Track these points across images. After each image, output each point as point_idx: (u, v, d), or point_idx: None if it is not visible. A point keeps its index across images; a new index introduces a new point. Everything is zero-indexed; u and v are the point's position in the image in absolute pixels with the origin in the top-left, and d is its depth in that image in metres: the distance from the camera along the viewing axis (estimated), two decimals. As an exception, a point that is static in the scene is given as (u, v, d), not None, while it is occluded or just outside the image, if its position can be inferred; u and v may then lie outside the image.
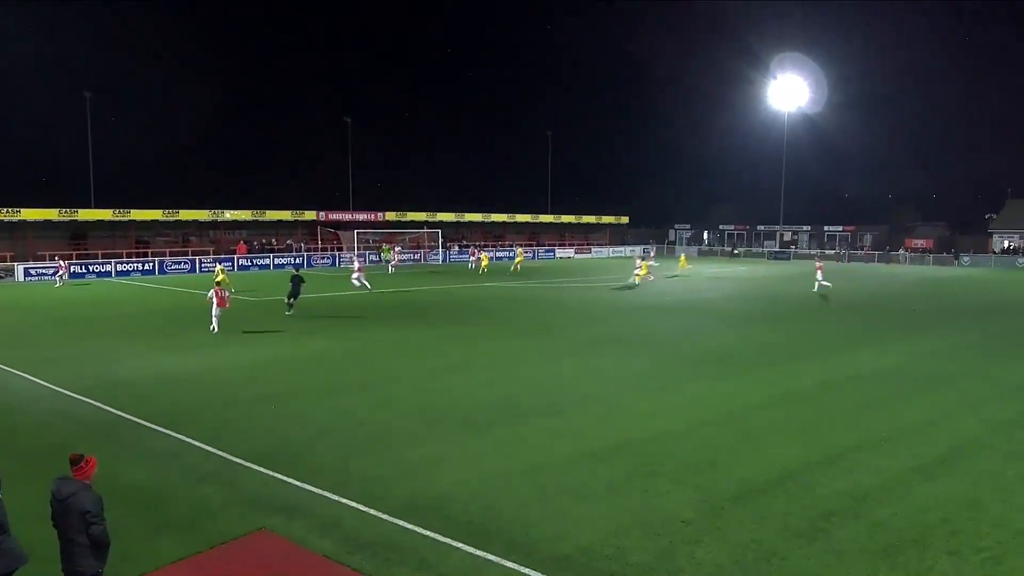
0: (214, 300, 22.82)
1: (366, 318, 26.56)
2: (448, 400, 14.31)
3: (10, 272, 42.93)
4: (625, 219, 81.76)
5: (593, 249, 74.49)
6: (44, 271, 43.31)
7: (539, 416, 13.18)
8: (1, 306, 29.76)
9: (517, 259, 51.41)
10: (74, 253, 46.44)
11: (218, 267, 36.23)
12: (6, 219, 44.75)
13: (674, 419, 13.10)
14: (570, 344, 20.97)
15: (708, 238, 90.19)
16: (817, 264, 40.50)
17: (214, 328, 22.44)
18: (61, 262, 40.61)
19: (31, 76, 72.88)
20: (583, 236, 78.61)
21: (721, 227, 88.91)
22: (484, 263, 48.77)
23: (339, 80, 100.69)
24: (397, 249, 56.01)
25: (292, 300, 26.76)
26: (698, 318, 26.91)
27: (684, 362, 18.33)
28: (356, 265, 36.27)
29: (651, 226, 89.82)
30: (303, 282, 27.46)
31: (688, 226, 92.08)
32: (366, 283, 34.50)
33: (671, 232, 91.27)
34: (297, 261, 39.37)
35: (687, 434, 12.17)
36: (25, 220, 45.68)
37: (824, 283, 37.71)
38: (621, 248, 77.66)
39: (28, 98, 72.66)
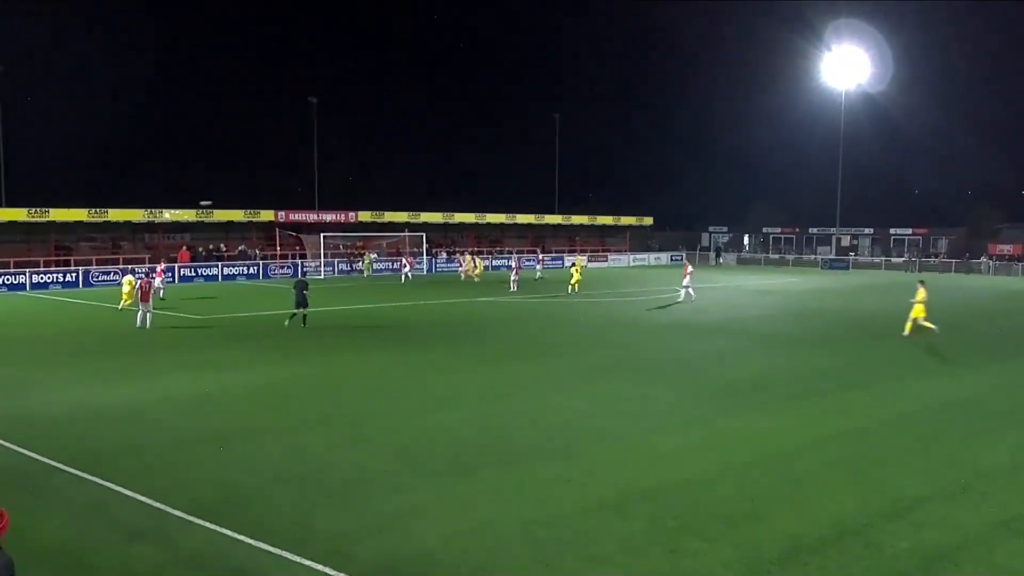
0: (138, 295, 27.57)
1: (335, 338, 26.63)
2: (431, 438, 14.33)
3: None
4: (649, 220, 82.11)
5: (610, 257, 74.50)
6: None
7: (541, 458, 13.19)
8: None
9: (476, 269, 52.17)
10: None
11: None
12: None
13: (705, 461, 13.12)
14: (577, 370, 21.03)
15: (749, 243, 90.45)
16: (688, 269, 40.01)
17: (145, 325, 27.02)
18: None
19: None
20: (599, 240, 78.83)
21: (765, 230, 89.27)
22: (476, 271, 51.04)
23: (302, 54, 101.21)
24: (375, 256, 56.47)
25: (297, 312, 28.00)
26: (732, 340, 27.00)
27: (715, 392, 18.36)
28: (406, 262, 53.79)
29: (680, 228, 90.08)
30: (307, 288, 28.79)
31: (725, 229, 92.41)
32: (411, 276, 51.74)
33: (704, 236, 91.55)
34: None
35: (721, 480, 12.19)
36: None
37: (689, 292, 37.61)
38: (644, 255, 77.78)
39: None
